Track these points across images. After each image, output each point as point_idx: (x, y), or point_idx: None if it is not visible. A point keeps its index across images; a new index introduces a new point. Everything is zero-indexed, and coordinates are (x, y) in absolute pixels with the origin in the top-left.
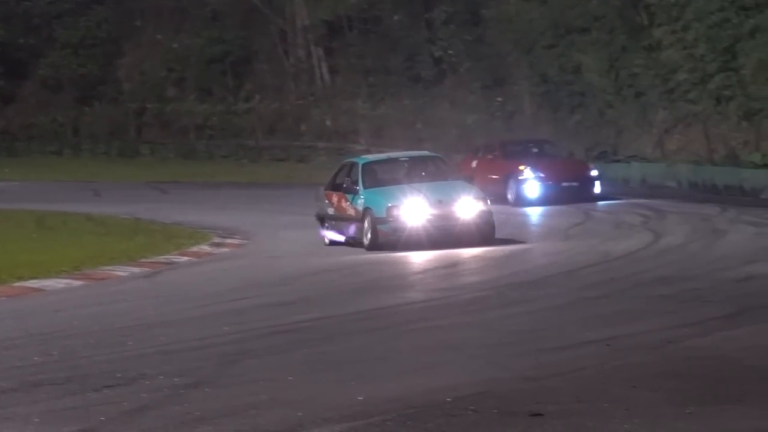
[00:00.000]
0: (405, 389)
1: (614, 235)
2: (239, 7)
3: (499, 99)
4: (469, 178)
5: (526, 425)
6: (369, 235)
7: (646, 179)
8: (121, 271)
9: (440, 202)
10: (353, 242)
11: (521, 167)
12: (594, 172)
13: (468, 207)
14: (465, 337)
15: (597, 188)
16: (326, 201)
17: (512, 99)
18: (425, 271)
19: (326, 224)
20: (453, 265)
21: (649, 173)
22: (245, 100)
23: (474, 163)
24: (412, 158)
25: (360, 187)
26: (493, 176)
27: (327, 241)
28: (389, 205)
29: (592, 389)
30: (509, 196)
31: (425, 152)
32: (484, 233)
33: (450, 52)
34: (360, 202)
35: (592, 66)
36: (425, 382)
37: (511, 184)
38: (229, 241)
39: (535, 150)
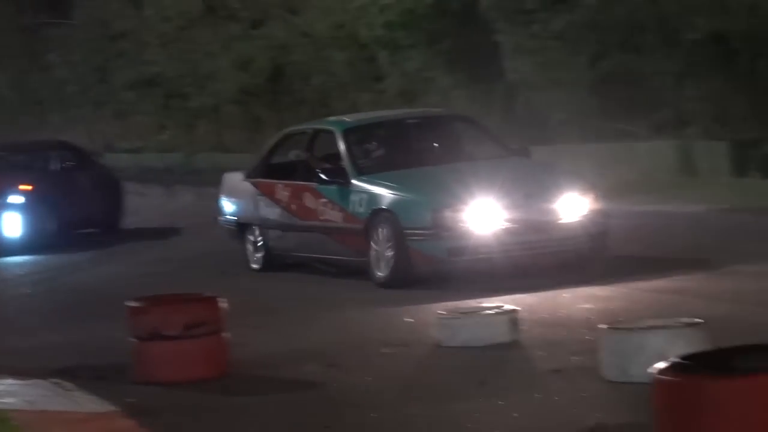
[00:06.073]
0: None
1: None
2: None
3: None
4: None
5: None
6: (390, 262)
7: None
8: None
9: (528, 197)
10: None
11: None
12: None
13: (574, 207)
14: None
15: None
16: (260, 194)
17: None
18: None
19: (259, 236)
20: None
21: None
22: None
23: None
24: (422, 119)
25: (350, 173)
26: None
27: (256, 265)
28: (437, 206)
29: None
30: None
31: (437, 109)
32: (596, 251)
33: None
34: (359, 201)
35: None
36: None
37: None
38: None
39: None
